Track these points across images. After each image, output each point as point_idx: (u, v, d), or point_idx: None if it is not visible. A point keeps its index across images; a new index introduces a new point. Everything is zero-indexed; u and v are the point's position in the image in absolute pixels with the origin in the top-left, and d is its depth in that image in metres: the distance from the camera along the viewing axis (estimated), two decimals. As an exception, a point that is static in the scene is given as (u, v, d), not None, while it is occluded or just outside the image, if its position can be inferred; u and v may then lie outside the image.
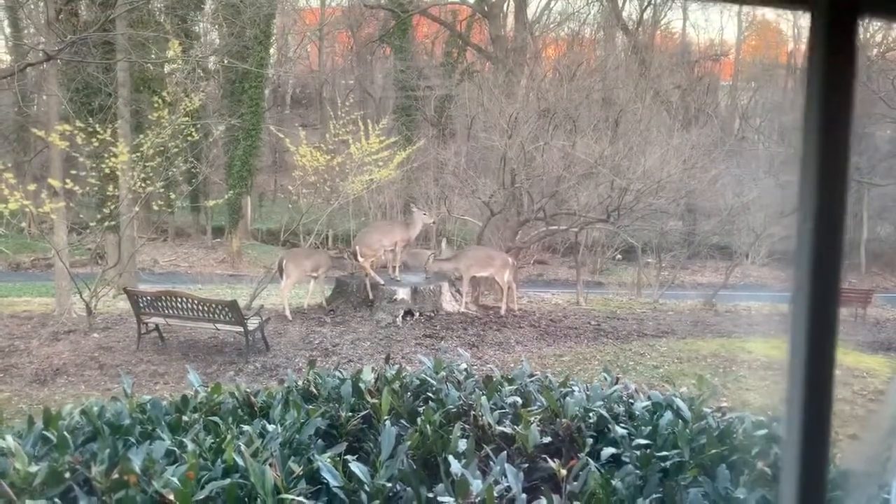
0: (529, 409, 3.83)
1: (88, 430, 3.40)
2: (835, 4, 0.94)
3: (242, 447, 2.97)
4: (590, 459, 3.18)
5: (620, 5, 30.17)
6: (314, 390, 4.03)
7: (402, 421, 3.70)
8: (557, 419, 3.73)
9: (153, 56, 17.69)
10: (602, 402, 3.88)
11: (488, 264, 14.39)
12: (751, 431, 3.54)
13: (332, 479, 2.85)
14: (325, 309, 13.91)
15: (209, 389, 3.93)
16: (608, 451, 3.37)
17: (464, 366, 4.54)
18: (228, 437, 3.18)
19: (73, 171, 13.68)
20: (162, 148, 13.99)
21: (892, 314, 19.12)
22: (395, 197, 24.26)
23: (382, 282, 13.74)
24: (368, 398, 3.83)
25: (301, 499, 2.77)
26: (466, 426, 3.66)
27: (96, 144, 13.14)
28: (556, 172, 16.43)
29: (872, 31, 24.15)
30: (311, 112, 35.52)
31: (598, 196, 16.64)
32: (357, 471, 2.85)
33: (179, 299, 11.56)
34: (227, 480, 2.77)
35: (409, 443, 3.24)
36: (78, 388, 9.76)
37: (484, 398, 3.78)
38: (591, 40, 31.32)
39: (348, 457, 3.06)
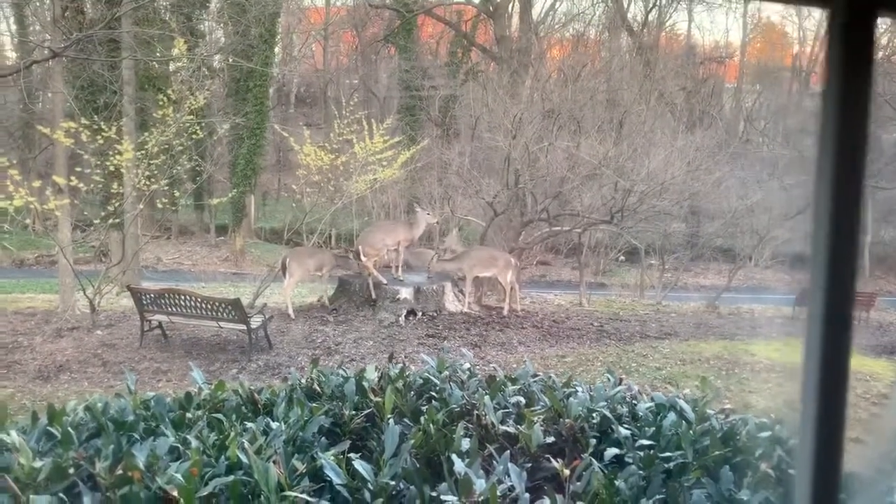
0: (533, 409, 3.83)
1: (92, 426, 3.41)
2: (852, 2, 0.93)
3: (246, 444, 2.98)
4: (593, 460, 3.18)
5: (625, 6, 30.17)
6: (318, 388, 4.03)
7: (406, 420, 3.70)
8: (561, 419, 3.73)
9: (158, 54, 17.71)
10: (605, 403, 3.88)
11: (491, 265, 14.38)
12: (754, 433, 3.53)
13: (336, 477, 2.85)
14: (328, 308, 13.91)
15: (213, 387, 3.94)
16: (611, 451, 3.38)
17: (467, 365, 4.54)
18: (232, 434, 3.18)
19: (78, 169, 13.71)
20: (166, 146, 14.01)
21: (896, 318, 19.08)
22: (398, 197, 24.26)
23: (385, 281, 13.74)
24: (372, 397, 3.83)
25: (304, 496, 2.77)
26: (470, 425, 3.66)
27: (101, 142, 13.17)
28: (560, 173, 16.42)
29: (878, 34, 24.07)
30: (316, 111, 35.55)
31: (602, 197, 16.62)
32: (360, 469, 2.86)
33: (183, 297, 11.57)
34: (231, 477, 2.77)
35: (412, 441, 3.24)
36: (81, 385, 9.78)
37: (487, 398, 3.79)
38: (596, 41, 31.31)
39: (352, 455, 3.06)
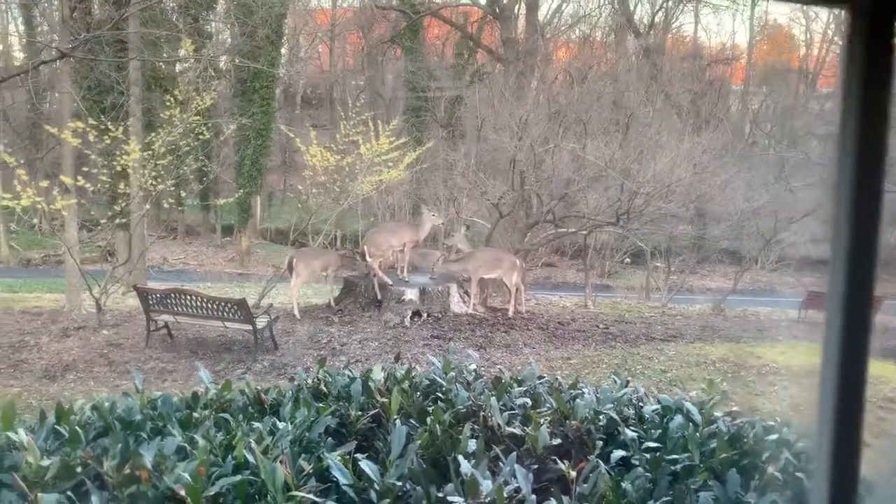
0: (539, 410, 3.83)
1: (100, 425, 3.42)
2: (872, 3, 0.93)
3: (253, 444, 2.98)
4: (600, 462, 3.17)
5: (632, 8, 30.14)
6: (324, 389, 4.04)
7: (412, 420, 3.70)
8: (567, 421, 3.72)
9: (165, 55, 17.80)
10: (612, 405, 3.87)
11: (497, 266, 14.37)
12: (761, 436, 3.52)
13: (342, 478, 2.86)
14: (334, 308, 13.93)
15: (219, 387, 3.94)
16: (618, 453, 3.37)
17: (473, 366, 4.53)
18: (239, 433, 3.19)
19: (85, 169, 13.76)
20: (173, 146, 14.06)
21: (903, 321, 18.99)
22: (404, 198, 24.28)
23: (390, 282, 13.75)
24: (378, 397, 3.83)
25: (311, 496, 2.77)
26: (476, 427, 3.65)
27: (108, 142, 13.22)
28: (566, 175, 16.41)
29: None
30: (322, 112, 35.60)
31: (608, 199, 16.60)
32: (367, 469, 2.86)
33: (189, 297, 11.60)
34: (238, 477, 2.78)
35: (418, 442, 3.24)
36: (87, 384, 9.81)
37: (493, 399, 3.78)
38: (602, 43, 31.28)
39: (358, 455, 3.06)
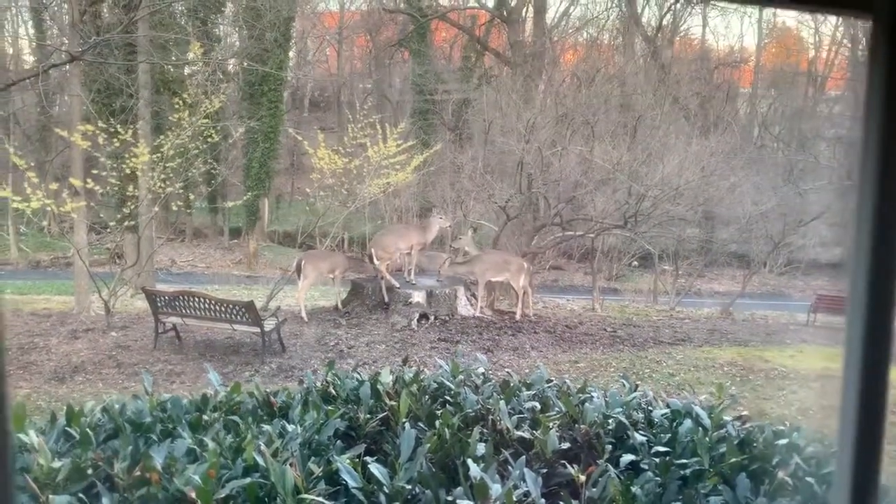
0: (548, 414, 3.82)
1: (110, 427, 3.43)
2: None
3: (262, 447, 2.99)
4: (609, 466, 3.17)
5: (640, 11, 30.10)
6: (333, 391, 4.04)
7: (420, 424, 3.70)
8: (576, 425, 3.72)
9: (174, 58, 17.86)
10: (621, 409, 3.86)
11: (504, 269, 14.36)
12: (771, 441, 3.51)
13: (352, 481, 2.86)
14: (341, 311, 13.94)
15: (228, 389, 3.95)
16: (627, 457, 3.36)
17: (481, 370, 4.53)
18: (248, 436, 3.19)
19: (94, 171, 13.83)
20: (182, 149, 14.12)
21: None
22: (411, 200, 24.29)
23: (398, 285, 13.76)
24: (387, 400, 3.84)
25: (320, 499, 2.78)
26: (484, 430, 3.65)
27: (117, 145, 13.28)
28: (574, 178, 16.39)
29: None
30: (330, 115, 35.66)
31: (616, 202, 16.57)
32: (376, 472, 2.86)
33: (197, 299, 11.63)
34: (248, 479, 2.79)
35: (427, 445, 3.24)
36: (96, 386, 9.85)
37: (502, 402, 3.78)
38: (610, 46, 31.23)
39: (367, 458, 3.07)
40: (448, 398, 4.04)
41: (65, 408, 3.50)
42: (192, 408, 3.78)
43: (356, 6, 35.44)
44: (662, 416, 3.91)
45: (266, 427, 3.39)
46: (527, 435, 3.59)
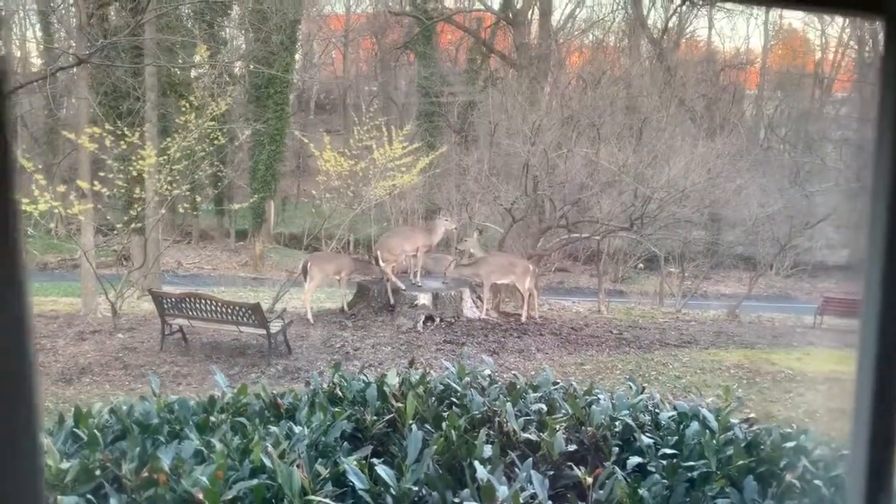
0: (554, 416, 3.82)
1: (118, 428, 3.44)
2: None
3: (270, 448, 2.99)
4: (616, 468, 3.16)
5: (645, 13, 30.08)
6: (340, 393, 4.04)
7: (427, 426, 3.70)
8: (583, 427, 3.72)
9: (181, 61, 17.91)
10: (628, 411, 3.85)
11: (509, 271, 14.36)
12: (778, 443, 3.50)
13: (359, 482, 2.86)
14: (347, 313, 13.96)
15: (235, 391, 3.96)
16: (634, 460, 3.36)
17: (487, 372, 4.53)
18: (255, 437, 3.20)
19: (101, 174, 13.88)
20: (188, 151, 14.17)
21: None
22: (416, 202, 24.30)
23: (403, 287, 13.77)
24: (393, 402, 3.84)
25: (328, 501, 2.78)
26: (491, 432, 3.65)
27: (124, 147, 13.33)
28: (579, 180, 16.39)
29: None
30: (336, 117, 35.72)
31: (622, 204, 16.56)
32: (383, 474, 2.86)
33: (203, 301, 11.66)
34: (255, 481, 2.79)
35: (434, 447, 3.24)
36: (103, 388, 9.88)
37: (509, 404, 3.78)
38: (616, 48, 31.21)
39: (374, 460, 3.07)
40: (454, 400, 4.04)
41: (72, 409, 3.51)
42: (199, 409, 3.78)
43: (362, 9, 35.55)
44: (669, 418, 3.90)
45: (273, 429, 3.40)
46: (533, 437, 3.59)
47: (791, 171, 23.77)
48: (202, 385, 9.80)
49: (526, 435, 3.61)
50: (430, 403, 3.96)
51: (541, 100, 21.07)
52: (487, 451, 3.23)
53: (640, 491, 2.97)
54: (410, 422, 3.63)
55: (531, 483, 2.92)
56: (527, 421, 3.79)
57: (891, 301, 0.97)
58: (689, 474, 3.23)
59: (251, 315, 11.37)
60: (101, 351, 11.53)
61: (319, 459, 3.09)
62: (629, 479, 3.09)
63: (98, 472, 2.92)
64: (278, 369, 10.94)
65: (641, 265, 24.64)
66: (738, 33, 46.36)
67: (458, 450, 3.33)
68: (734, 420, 3.84)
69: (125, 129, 13.24)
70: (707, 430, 3.62)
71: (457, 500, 2.84)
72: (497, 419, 3.75)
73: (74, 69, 14.90)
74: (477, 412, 3.79)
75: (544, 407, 3.96)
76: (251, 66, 22.94)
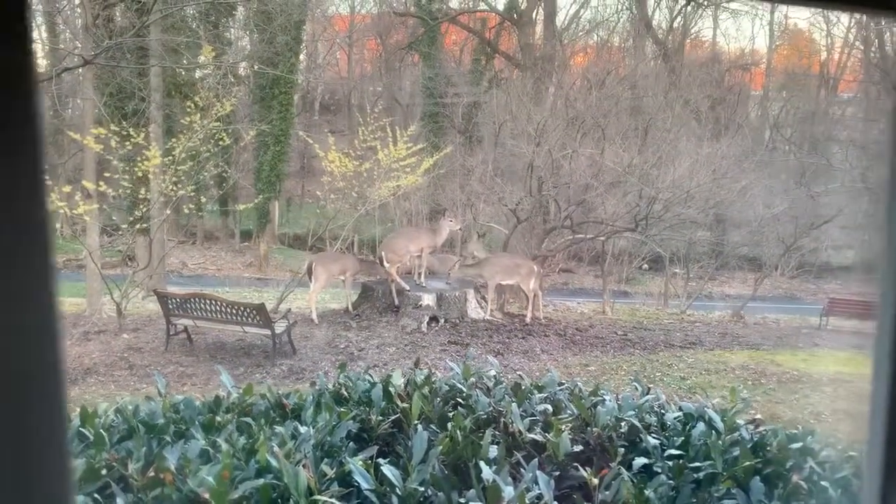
0: (560, 417, 3.82)
1: (124, 428, 3.45)
2: None
3: (275, 448, 3.00)
4: (622, 469, 3.16)
5: (650, 14, 30.05)
6: (345, 393, 4.05)
7: (433, 426, 3.70)
8: (588, 428, 3.71)
9: (186, 61, 17.95)
10: (634, 412, 3.85)
11: (514, 272, 14.35)
12: (784, 445, 3.49)
13: (364, 482, 2.86)
14: (351, 313, 13.97)
15: (241, 391, 3.97)
16: (640, 461, 3.35)
17: (493, 372, 4.52)
18: (261, 438, 3.20)
19: (107, 174, 13.91)
20: (193, 152, 14.19)
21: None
22: (421, 203, 24.30)
23: (408, 288, 13.77)
24: (399, 402, 3.84)
25: (333, 500, 2.78)
26: (497, 433, 3.65)
27: (129, 148, 13.36)
28: (584, 180, 16.38)
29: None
30: (340, 118, 35.74)
31: (626, 205, 16.54)
32: (389, 474, 2.86)
33: (208, 301, 11.68)
34: (261, 481, 2.79)
35: (440, 448, 3.23)
36: (108, 388, 9.90)
37: (514, 405, 3.77)
38: (620, 48, 31.18)
39: (380, 460, 3.07)
40: (460, 400, 4.04)
41: (78, 409, 3.52)
42: (204, 409, 3.79)
43: (366, 9, 35.57)
44: (675, 419, 3.89)
45: (279, 429, 3.40)
46: (539, 437, 3.58)
47: (796, 172, 23.70)
48: (207, 385, 9.81)
49: (531, 435, 3.60)
50: (436, 404, 3.96)
51: (545, 100, 21.06)
52: (493, 451, 3.22)
53: (646, 492, 2.96)
54: (416, 422, 3.63)
55: (537, 484, 2.91)
56: (532, 421, 3.78)
57: None
58: (695, 475, 3.23)
59: (256, 315, 11.38)
60: (107, 351, 11.55)
61: (325, 459, 3.09)
62: (635, 480, 3.08)
63: (104, 472, 2.92)
64: (283, 370, 10.95)
65: (646, 266, 24.61)
66: (744, 34, 46.24)
67: (464, 450, 3.33)
68: (740, 421, 3.82)
69: (130, 129, 13.27)
70: (713, 431, 3.61)
71: (462, 500, 2.84)
72: (502, 420, 3.75)
73: (80, 70, 14.93)
74: (482, 413, 3.79)
75: (550, 408, 3.96)
76: (256, 67, 22.99)
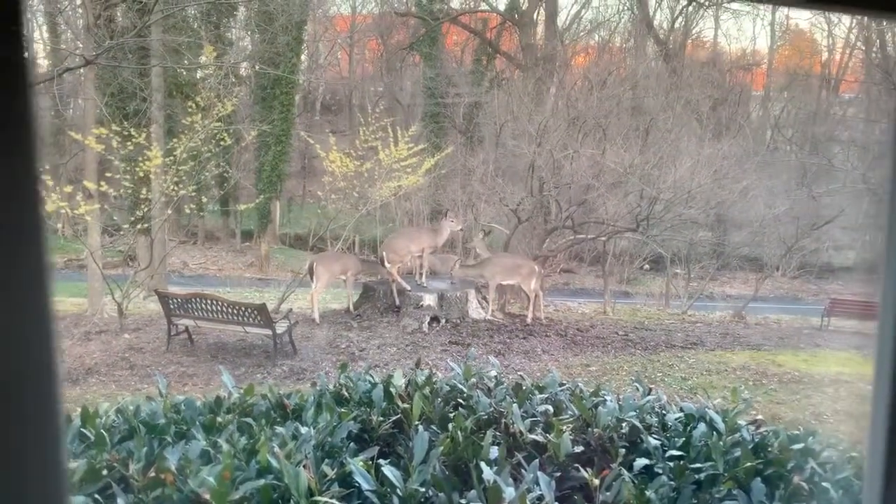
0: (561, 417, 3.81)
1: (125, 428, 3.44)
2: None
3: (276, 449, 2.99)
4: (623, 470, 3.15)
5: (651, 14, 30.03)
6: (346, 394, 4.04)
7: (433, 426, 3.69)
8: (589, 429, 3.70)
9: (187, 61, 17.96)
10: (635, 413, 3.84)
11: (515, 272, 14.35)
12: (786, 445, 3.48)
13: (365, 483, 2.86)
14: (352, 314, 13.97)
15: (242, 391, 3.96)
16: (641, 461, 3.34)
17: (493, 373, 4.52)
18: (262, 438, 3.20)
19: (108, 174, 13.92)
20: (194, 152, 14.20)
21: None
22: (422, 203, 24.30)
23: (409, 288, 13.77)
24: (399, 403, 3.83)
25: (334, 501, 2.78)
26: (497, 433, 3.64)
27: (131, 148, 13.37)
28: (585, 181, 16.38)
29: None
30: (341, 118, 35.73)
31: (627, 205, 16.54)
32: (390, 475, 2.85)
33: (209, 301, 11.69)
34: (262, 481, 2.79)
35: (440, 448, 3.23)
36: (109, 388, 9.91)
37: (515, 406, 3.77)
38: (622, 49, 31.17)
39: (380, 461, 3.06)
40: (461, 401, 4.03)
41: (79, 409, 3.52)
42: (205, 410, 3.78)
43: (368, 10, 35.56)
44: (676, 420, 3.89)
45: (279, 429, 3.39)
46: (540, 438, 3.57)
47: (798, 173, 23.69)
48: (208, 385, 9.82)
49: (532, 436, 3.60)
50: (437, 404, 3.95)
51: (546, 100, 21.05)
52: (494, 452, 3.22)
53: (647, 493, 2.95)
54: (416, 423, 3.63)
55: (538, 484, 2.91)
56: (533, 422, 3.78)
57: None
58: (697, 476, 3.22)
59: (257, 315, 11.39)
60: (108, 351, 11.56)
61: (326, 460, 3.09)
62: (636, 481, 3.08)
63: (105, 472, 2.92)
64: (284, 370, 10.96)
65: (647, 266, 24.59)
66: (745, 34, 46.22)
67: (465, 451, 3.32)
68: (741, 422, 3.82)
69: (132, 129, 13.28)
70: (714, 432, 3.60)
71: (463, 501, 2.83)
72: (503, 420, 3.74)
73: (81, 70, 14.95)
74: (483, 413, 3.78)
75: (551, 408, 3.95)
76: (257, 67, 23.00)
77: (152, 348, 11.85)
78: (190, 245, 27.50)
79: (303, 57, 29.34)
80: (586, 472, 3.14)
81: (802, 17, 33.75)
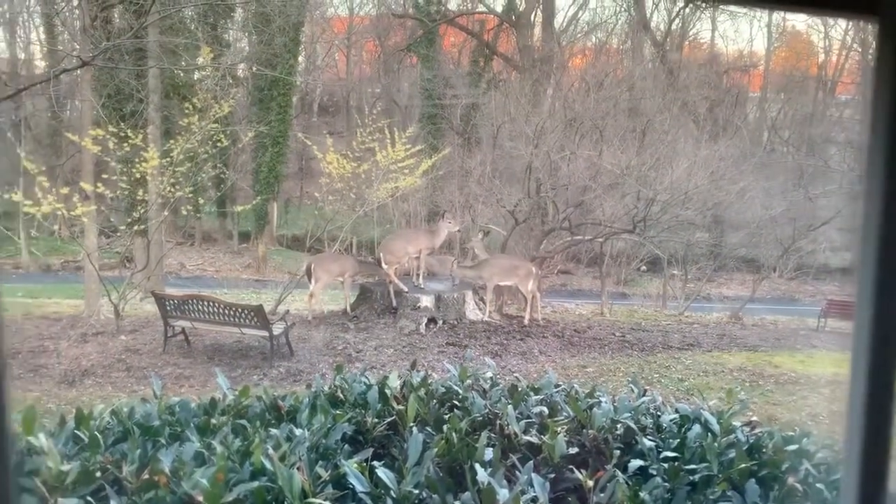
0: (556, 419, 3.81)
1: (119, 430, 3.44)
2: None
3: (270, 451, 2.99)
4: (617, 471, 3.15)
5: (648, 16, 30.09)
6: (341, 395, 4.04)
7: (428, 428, 3.69)
8: (584, 430, 3.71)
9: (184, 63, 17.94)
10: (629, 414, 3.84)
11: (512, 273, 14.35)
12: (781, 447, 3.49)
13: (359, 485, 2.86)
14: (349, 315, 13.96)
15: (237, 393, 3.96)
16: (635, 463, 3.34)
17: (489, 374, 4.52)
18: (256, 440, 3.19)
19: (105, 176, 13.90)
20: (191, 153, 14.19)
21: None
22: (419, 205, 24.31)
23: (406, 289, 13.77)
24: (394, 404, 3.83)
25: (328, 503, 2.78)
26: (492, 435, 3.64)
27: (127, 149, 13.36)
28: (582, 182, 16.39)
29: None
30: (338, 120, 35.71)
31: (625, 206, 16.56)
32: (384, 477, 2.85)
33: (206, 303, 11.67)
34: (255, 483, 2.79)
35: (435, 450, 3.23)
36: (105, 390, 9.89)
37: (510, 407, 3.77)
38: (619, 50, 31.22)
39: (374, 463, 3.06)
40: (456, 403, 4.03)
41: (74, 411, 3.51)
42: (200, 411, 3.78)
43: (365, 11, 35.58)
44: (671, 421, 3.89)
45: (274, 431, 3.39)
46: (535, 440, 3.57)
47: (794, 174, 23.74)
48: (204, 387, 9.80)
49: (527, 437, 3.60)
50: (432, 406, 3.95)
51: (544, 102, 21.08)
52: (488, 453, 3.22)
53: (642, 494, 2.96)
54: (411, 424, 3.63)
55: (532, 486, 2.91)
56: (528, 423, 3.78)
57: (884, 303, 0.96)
58: (691, 477, 3.22)
59: (254, 317, 11.37)
60: (104, 353, 11.54)
61: (320, 462, 3.09)
62: (630, 483, 3.08)
63: (99, 474, 2.91)
64: (281, 371, 10.95)
65: (644, 267, 24.63)
66: (742, 36, 46.27)
67: (459, 452, 3.32)
68: (736, 423, 3.82)
69: (128, 131, 13.27)
70: (709, 433, 3.60)
71: (457, 502, 2.83)
72: (498, 422, 3.74)
73: (78, 71, 14.93)
74: (478, 415, 3.78)
75: (546, 409, 3.95)
76: (254, 69, 23.01)
77: (149, 350, 11.83)
78: (187, 246, 27.48)
79: (300, 58, 29.34)
80: (581, 473, 3.14)
81: (799, 19, 33.81)
